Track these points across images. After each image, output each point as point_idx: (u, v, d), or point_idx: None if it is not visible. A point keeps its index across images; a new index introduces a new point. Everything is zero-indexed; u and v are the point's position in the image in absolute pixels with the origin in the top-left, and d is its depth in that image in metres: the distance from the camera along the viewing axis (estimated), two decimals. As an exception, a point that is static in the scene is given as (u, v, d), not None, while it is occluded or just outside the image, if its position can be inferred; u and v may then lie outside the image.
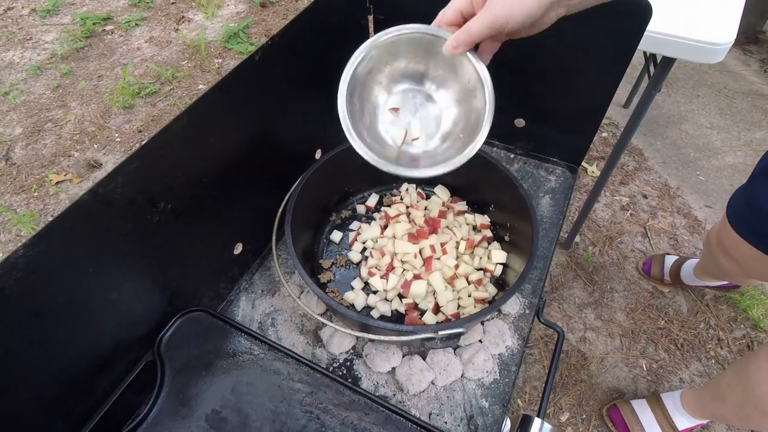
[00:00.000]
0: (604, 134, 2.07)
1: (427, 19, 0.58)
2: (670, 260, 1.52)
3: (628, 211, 1.78)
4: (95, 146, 2.01)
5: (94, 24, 2.58)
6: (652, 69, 1.05)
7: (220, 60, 2.44)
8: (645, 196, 1.83)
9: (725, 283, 1.45)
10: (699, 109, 2.16)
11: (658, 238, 1.70)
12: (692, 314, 1.50)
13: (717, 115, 2.13)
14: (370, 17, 0.96)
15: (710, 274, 1.36)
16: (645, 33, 0.75)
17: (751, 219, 0.85)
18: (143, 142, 0.56)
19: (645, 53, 1.08)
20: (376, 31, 0.97)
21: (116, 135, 2.06)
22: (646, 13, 0.71)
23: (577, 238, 1.69)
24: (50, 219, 0.48)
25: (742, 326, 1.47)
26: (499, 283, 0.83)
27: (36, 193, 1.83)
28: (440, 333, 0.57)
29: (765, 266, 0.89)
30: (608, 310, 1.52)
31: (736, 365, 1.00)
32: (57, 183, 1.85)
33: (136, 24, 2.62)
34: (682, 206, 1.79)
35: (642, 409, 1.24)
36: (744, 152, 1.96)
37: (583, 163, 1.94)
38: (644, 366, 1.41)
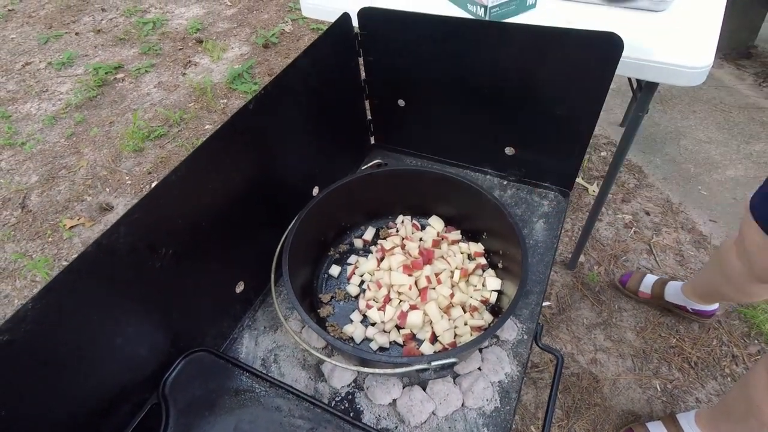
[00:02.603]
0: (603, 153, 2.09)
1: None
2: (651, 278, 1.51)
3: (631, 228, 1.78)
4: (107, 190, 2.09)
5: (106, 73, 2.72)
6: (638, 93, 1.08)
7: (225, 100, 2.54)
8: (648, 213, 1.82)
9: (705, 309, 1.43)
10: (696, 124, 2.17)
11: (664, 255, 1.69)
12: (704, 331, 1.48)
13: (715, 129, 2.14)
14: (360, 59, 1.01)
15: (700, 294, 1.35)
16: (626, 59, 0.78)
17: None
18: (145, 193, 0.60)
19: (629, 78, 1.11)
20: (366, 71, 1.03)
21: (127, 178, 2.13)
22: (617, 48, 0.74)
23: (582, 258, 1.69)
24: (64, 263, 0.51)
25: (756, 341, 1.44)
26: (495, 310, 0.83)
27: (50, 239, 1.89)
28: (433, 364, 0.58)
29: None
30: (618, 330, 1.50)
31: (741, 379, 0.99)
32: (71, 228, 1.91)
33: (146, 71, 2.75)
34: (685, 221, 1.78)
35: (658, 432, 1.21)
36: (744, 165, 1.96)
37: (584, 183, 1.95)
38: (658, 387, 1.38)
